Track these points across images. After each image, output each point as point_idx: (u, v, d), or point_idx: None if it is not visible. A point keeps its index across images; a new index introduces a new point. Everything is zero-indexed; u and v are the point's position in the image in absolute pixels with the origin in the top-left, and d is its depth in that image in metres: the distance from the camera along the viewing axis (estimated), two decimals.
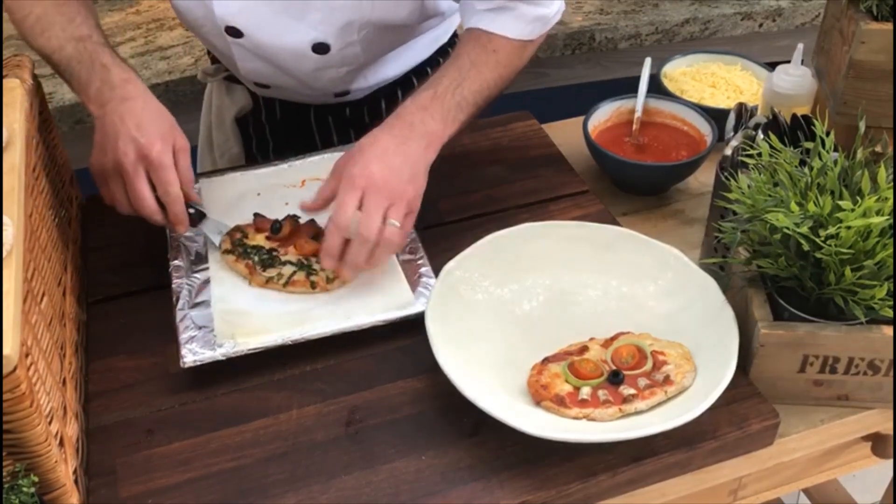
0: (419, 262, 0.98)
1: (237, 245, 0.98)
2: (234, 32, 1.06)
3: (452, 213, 1.09)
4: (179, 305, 0.92)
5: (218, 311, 0.92)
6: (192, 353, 0.87)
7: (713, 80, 1.25)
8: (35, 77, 0.98)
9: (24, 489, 0.66)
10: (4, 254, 0.69)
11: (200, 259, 0.99)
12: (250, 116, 1.26)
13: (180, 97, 1.56)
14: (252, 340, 0.88)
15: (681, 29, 1.74)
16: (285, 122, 1.26)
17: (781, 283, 0.86)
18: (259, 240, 0.99)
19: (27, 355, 0.71)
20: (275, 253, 0.98)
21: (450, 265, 0.94)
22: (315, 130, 1.26)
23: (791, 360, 0.86)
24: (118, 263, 1.03)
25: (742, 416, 0.84)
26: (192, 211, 0.99)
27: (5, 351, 0.63)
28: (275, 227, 0.99)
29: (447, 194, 1.11)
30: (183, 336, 0.89)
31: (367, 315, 0.91)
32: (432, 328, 0.86)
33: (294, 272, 0.95)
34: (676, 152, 1.16)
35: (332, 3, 1.02)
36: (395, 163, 0.91)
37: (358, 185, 0.89)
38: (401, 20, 1.09)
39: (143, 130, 0.90)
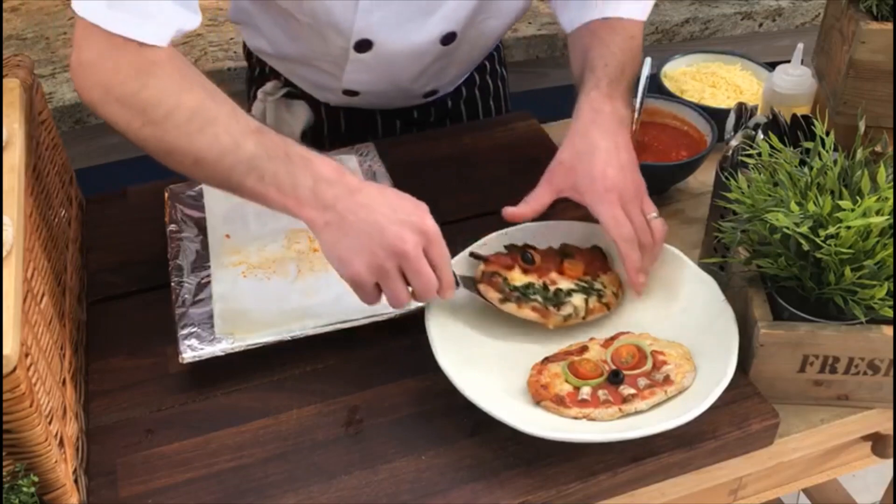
0: None
1: (510, 290, 0.90)
2: (363, 46, 1.05)
3: (452, 213, 1.08)
4: (179, 303, 0.92)
5: (217, 309, 0.92)
6: (191, 349, 0.87)
7: (713, 80, 1.26)
8: (35, 77, 0.98)
9: (24, 489, 0.66)
10: (4, 254, 0.69)
11: (201, 259, 0.99)
12: (309, 131, 1.24)
13: None
14: (251, 336, 0.88)
15: (681, 29, 1.74)
16: (350, 130, 1.25)
17: (781, 282, 0.86)
18: (518, 276, 0.92)
19: (27, 355, 0.71)
20: (548, 285, 0.92)
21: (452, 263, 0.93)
22: (381, 134, 1.27)
23: (791, 359, 0.86)
24: (118, 263, 1.03)
25: (742, 416, 0.84)
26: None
27: (5, 351, 0.63)
28: (527, 259, 0.93)
29: (447, 194, 1.10)
30: (182, 332, 0.89)
31: (365, 313, 0.91)
32: (432, 328, 0.86)
33: (585, 300, 0.91)
34: (676, 152, 1.16)
35: None
36: (622, 159, 0.92)
37: (612, 197, 0.89)
38: (517, 7, 1.12)
39: (403, 210, 0.80)
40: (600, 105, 0.94)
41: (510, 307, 0.89)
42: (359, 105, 1.22)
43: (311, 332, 0.89)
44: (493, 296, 0.90)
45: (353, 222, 0.79)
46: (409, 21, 1.05)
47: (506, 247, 0.96)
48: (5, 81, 0.91)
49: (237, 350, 0.88)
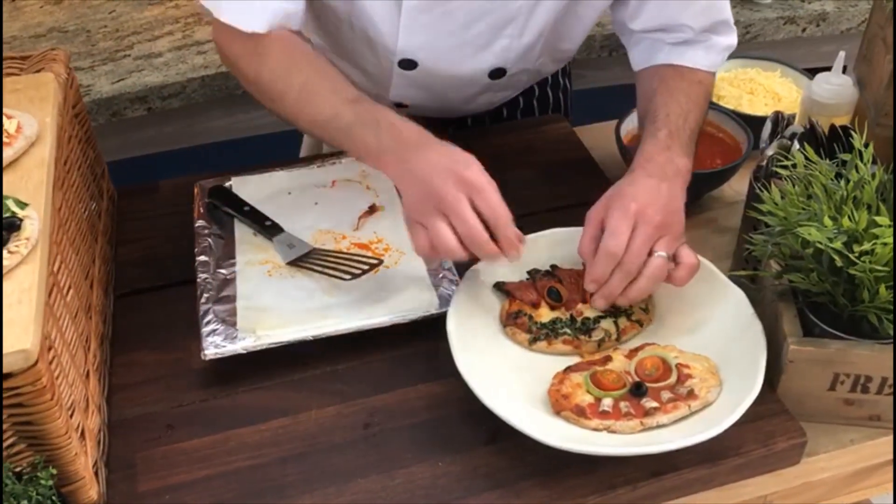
0: (443, 263, 0.97)
1: (538, 328, 0.89)
2: (407, 65, 1.07)
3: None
4: (203, 300, 0.93)
5: (241, 307, 0.92)
6: (214, 347, 0.87)
7: (751, 87, 1.23)
8: (70, 70, 0.99)
9: (43, 482, 0.67)
10: (29, 249, 0.70)
11: (227, 255, 1.00)
12: None
13: (215, 91, 1.57)
14: (273, 334, 0.89)
15: None
16: None
17: (813, 298, 0.84)
18: (545, 313, 0.91)
19: (50, 349, 0.72)
20: (575, 317, 0.91)
21: (474, 269, 0.93)
22: None
23: (821, 377, 0.83)
24: (147, 257, 1.04)
25: (768, 434, 0.82)
26: (268, 223, 1.02)
27: (26, 346, 0.63)
28: (554, 296, 0.91)
29: None
30: (205, 329, 0.89)
31: (387, 314, 0.91)
32: (453, 333, 0.85)
33: (615, 322, 0.89)
34: (711, 160, 1.14)
35: (522, 33, 1.04)
36: (662, 198, 0.88)
37: (631, 212, 0.85)
38: (572, 47, 1.14)
39: (452, 159, 0.85)
40: (655, 155, 0.93)
41: (541, 346, 0.89)
42: (410, 113, 1.22)
43: (331, 331, 0.89)
44: (522, 338, 0.89)
45: (414, 175, 0.85)
46: (455, 50, 1.05)
47: (529, 273, 0.94)
48: (40, 75, 0.93)
49: (259, 348, 0.88)
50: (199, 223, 1.03)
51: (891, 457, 0.90)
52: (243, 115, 1.66)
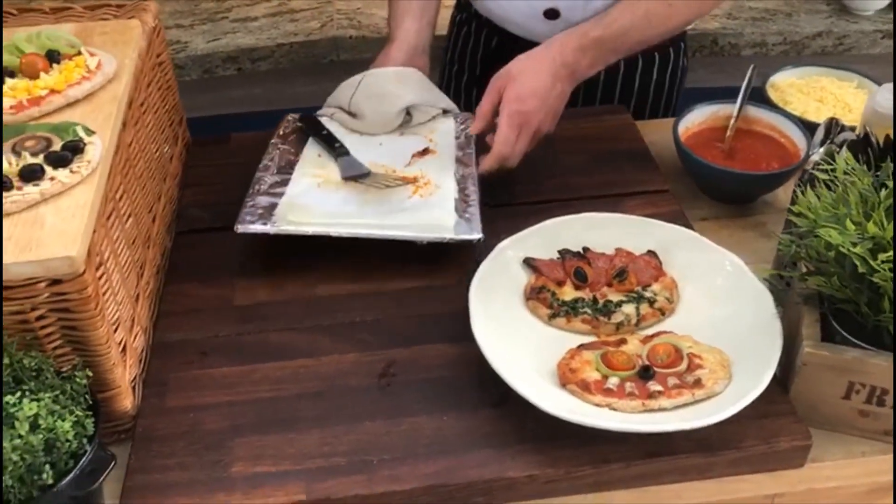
0: (470, 197, 1.03)
1: (559, 305, 0.91)
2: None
3: (525, 196, 1.11)
4: (253, 189, 1.02)
5: (283, 202, 1.01)
6: (244, 224, 0.97)
7: (821, 95, 1.21)
8: (158, 21, 1.07)
9: (78, 380, 0.74)
10: (89, 171, 0.77)
11: (288, 166, 1.09)
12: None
13: (302, 59, 1.65)
14: (301, 225, 0.97)
15: (811, 42, 1.67)
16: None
17: (838, 304, 0.83)
18: (568, 292, 0.93)
19: (101, 265, 0.79)
20: (598, 298, 0.93)
21: (504, 243, 0.96)
22: None
23: (835, 384, 0.83)
24: (210, 201, 1.11)
25: (771, 432, 0.82)
26: (338, 145, 1.12)
27: (72, 253, 0.70)
28: (580, 276, 0.93)
29: (524, 177, 1.12)
30: (245, 211, 0.98)
31: (412, 231, 0.97)
32: (474, 298, 0.88)
33: (636, 308, 0.91)
34: (767, 163, 1.13)
35: None
36: (548, 102, 1.06)
37: (517, 122, 1.05)
38: None
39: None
40: (568, 47, 1.07)
41: (559, 322, 0.91)
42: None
43: (352, 231, 0.96)
44: (543, 312, 0.91)
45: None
46: None
47: (560, 252, 0.97)
48: (128, 22, 1.01)
49: (281, 233, 0.96)
50: (274, 140, 1.14)
51: None
52: (328, 84, 1.71)
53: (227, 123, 1.69)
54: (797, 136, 1.13)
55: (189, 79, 1.61)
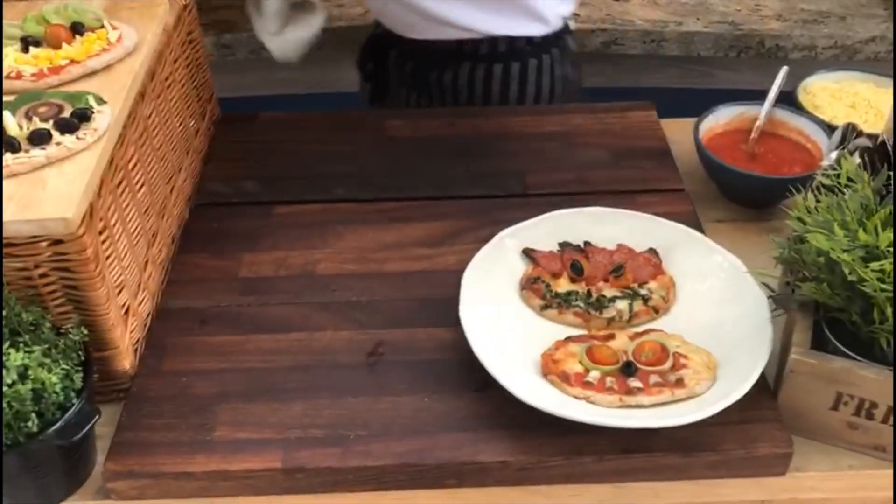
0: None
1: (552, 297, 0.92)
2: None
3: (537, 187, 1.11)
4: None
5: None
6: None
7: (854, 101, 1.17)
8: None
9: (72, 336, 0.78)
10: (95, 138, 0.81)
11: None
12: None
13: (345, 42, 1.67)
14: None
15: (864, 47, 1.62)
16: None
17: (833, 313, 0.81)
18: (563, 284, 0.93)
19: (105, 229, 0.83)
20: (592, 292, 0.92)
21: (505, 232, 0.96)
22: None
23: (823, 394, 0.81)
24: (231, 176, 1.15)
25: (752, 437, 0.81)
26: None
27: (68, 215, 0.74)
28: (576, 269, 0.94)
29: (537, 168, 1.13)
30: None
31: None
32: (466, 283, 0.89)
33: (630, 304, 0.91)
34: (790, 167, 1.10)
35: None
36: None
37: None
38: None
39: None
40: None
41: (551, 314, 0.91)
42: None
43: None
44: (535, 303, 0.92)
45: None
46: None
47: (560, 244, 0.96)
48: None
49: None
50: None
51: (891, 493, 0.86)
52: None
53: (268, 104, 1.73)
54: (823, 142, 1.10)
55: (236, 58, 1.66)
